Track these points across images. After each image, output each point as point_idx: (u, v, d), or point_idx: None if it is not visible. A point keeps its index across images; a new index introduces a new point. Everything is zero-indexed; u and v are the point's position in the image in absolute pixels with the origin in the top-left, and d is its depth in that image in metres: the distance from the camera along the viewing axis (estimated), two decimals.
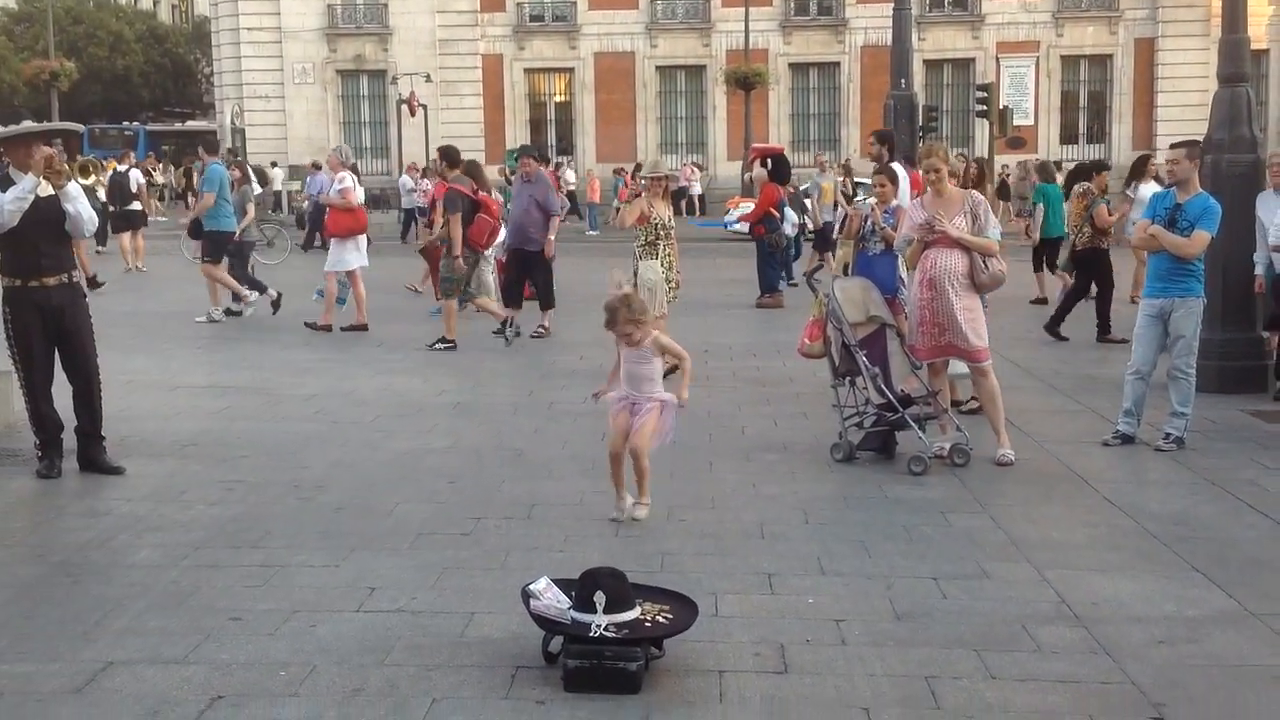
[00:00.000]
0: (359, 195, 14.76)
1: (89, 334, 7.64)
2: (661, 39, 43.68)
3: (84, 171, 7.32)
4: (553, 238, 14.13)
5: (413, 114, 38.82)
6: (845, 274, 9.41)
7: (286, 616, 5.21)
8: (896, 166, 9.80)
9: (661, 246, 11.45)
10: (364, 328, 14.06)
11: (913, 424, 7.76)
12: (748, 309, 16.30)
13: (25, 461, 7.74)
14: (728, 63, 41.80)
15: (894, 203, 9.34)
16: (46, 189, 7.15)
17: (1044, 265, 16.36)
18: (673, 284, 11.58)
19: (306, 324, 14.20)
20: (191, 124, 51.89)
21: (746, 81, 39.35)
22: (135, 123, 50.44)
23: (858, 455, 7.96)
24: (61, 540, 6.33)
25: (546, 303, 14.18)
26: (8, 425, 8.69)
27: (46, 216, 7.25)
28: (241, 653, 4.83)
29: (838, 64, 43.86)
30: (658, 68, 43.97)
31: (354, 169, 16.08)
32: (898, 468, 7.75)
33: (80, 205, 7.38)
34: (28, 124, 7.57)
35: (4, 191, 7.18)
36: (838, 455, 7.94)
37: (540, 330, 13.80)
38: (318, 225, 23.58)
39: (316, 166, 17.93)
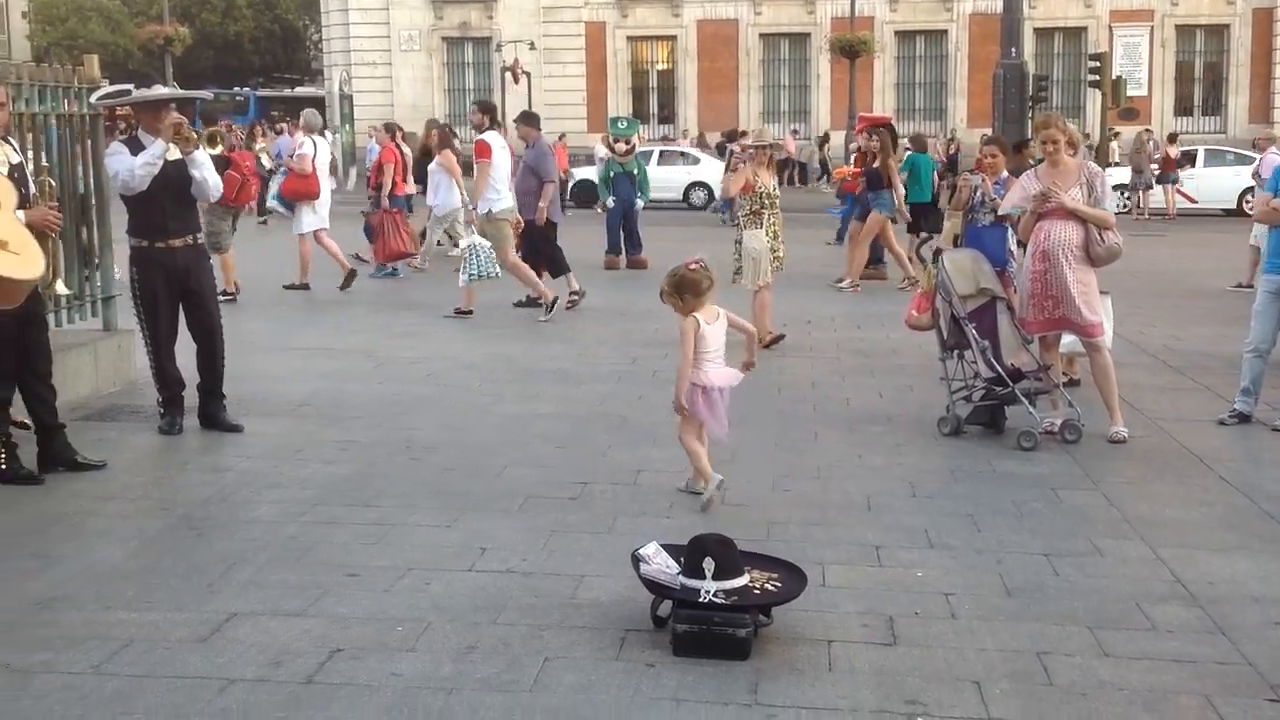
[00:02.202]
0: (323, 160, 15.19)
1: (212, 294, 7.84)
2: (765, 6, 43.35)
3: (211, 140, 7.48)
4: (543, 205, 13.90)
5: (516, 81, 39.03)
6: (954, 246, 9.30)
7: (401, 574, 5.33)
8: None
9: (766, 216, 11.40)
10: (306, 287, 14.75)
11: (1023, 399, 7.67)
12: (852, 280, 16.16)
13: (148, 418, 7.98)
14: (832, 30, 41.33)
15: (1004, 174, 9.22)
16: (174, 153, 7.33)
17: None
18: (777, 254, 11.54)
19: (285, 286, 14.78)
20: (300, 90, 52.66)
21: (851, 49, 38.91)
22: (246, 88, 51.31)
23: (965, 429, 7.89)
24: (184, 495, 6.53)
25: (554, 270, 14.00)
26: (130, 382, 8.95)
27: (174, 181, 7.44)
28: (358, 607, 4.95)
29: (945, 32, 43.18)
30: (761, 35, 43.66)
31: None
32: (1007, 443, 7.68)
33: (206, 171, 7.56)
34: (159, 89, 7.74)
35: (135, 155, 7.38)
36: (945, 429, 7.89)
37: (572, 298, 13.59)
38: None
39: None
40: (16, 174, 6.61)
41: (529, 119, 14.91)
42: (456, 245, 17.86)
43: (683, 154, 33.51)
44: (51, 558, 5.49)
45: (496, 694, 4.20)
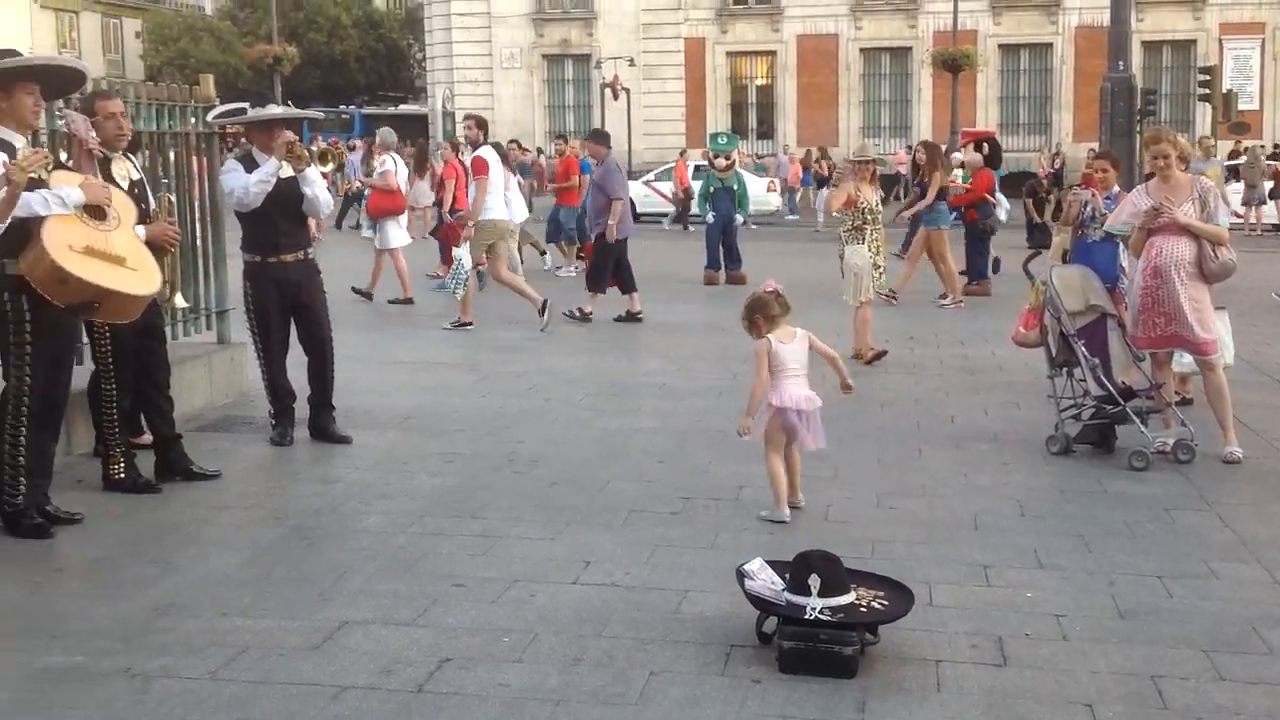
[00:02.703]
0: (401, 177, 15.50)
1: (324, 308, 7.99)
2: (866, 21, 43.13)
3: (322, 159, 7.64)
4: (612, 222, 13.95)
5: (615, 98, 39.24)
6: (1063, 261, 9.17)
7: (507, 585, 5.38)
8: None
9: (869, 231, 11.34)
10: (409, 301, 14.83)
11: (1134, 418, 7.53)
12: (955, 296, 16.00)
13: (260, 429, 8.15)
14: (934, 44, 40.96)
15: (1115, 189, 9.07)
16: (287, 171, 7.49)
17: None
18: (879, 269, 11.47)
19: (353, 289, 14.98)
20: (404, 108, 53.44)
21: (954, 64, 38.51)
22: (351, 106, 52.23)
23: (1074, 448, 7.77)
24: (296, 505, 6.66)
25: (623, 287, 14.09)
26: (243, 394, 9.15)
27: (286, 197, 7.60)
28: (466, 618, 5.01)
29: (1050, 45, 42.57)
30: (861, 50, 43.41)
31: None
32: (1117, 462, 7.54)
33: (317, 189, 7.72)
34: (272, 108, 7.93)
35: (249, 173, 7.56)
36: (1054, 447, 7.76)
37: (573, 312, 13.64)
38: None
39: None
40: (137, 190, 6.80)
41: (598, 137, 15.09)
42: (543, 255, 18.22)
43: (698, 167, 33.71)
44: (170, 565, 5.63)
45: (603, 706, 4.23)
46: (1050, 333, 7.97)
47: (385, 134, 16.93)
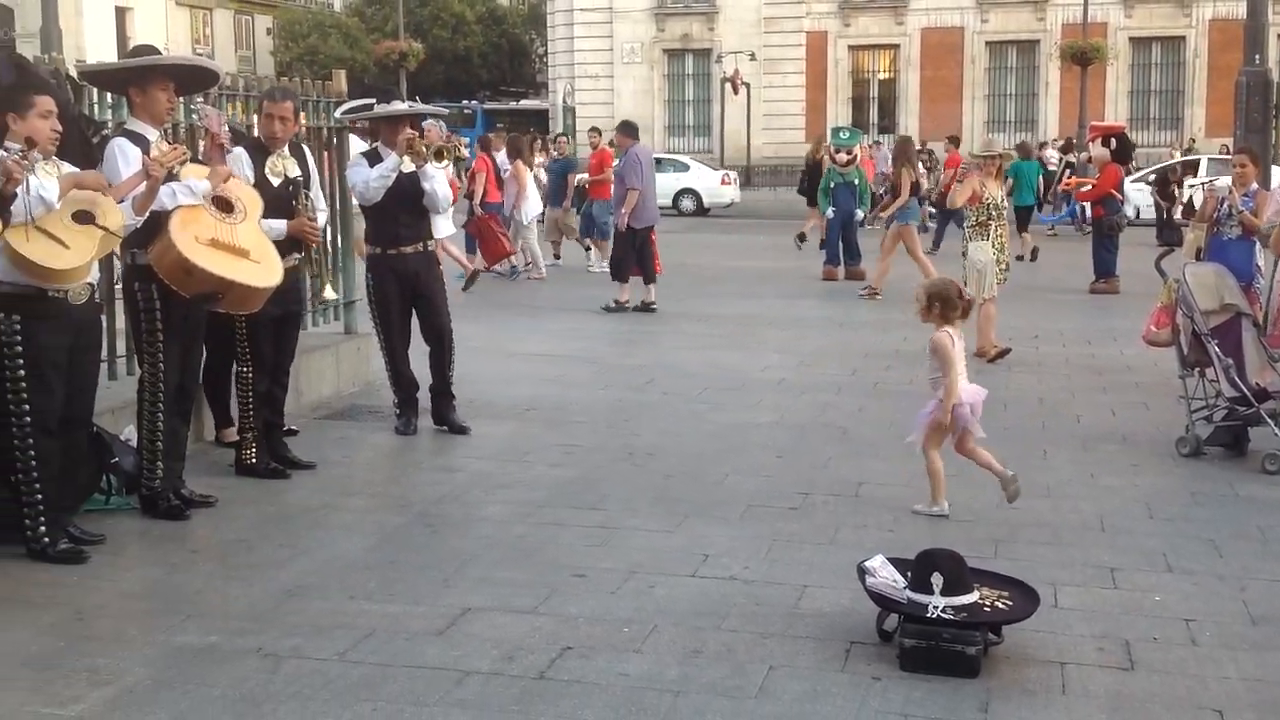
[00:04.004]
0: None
1: (443, 298, 8.10)
2: (993, 13, 42.44)
3: (439, 155, 7.72)
4: (624, 212, 14.07)
5: (735, 92, 39.18)
6: (1197, 259, 8.94)
7: (626, 576, 5.42)
8: None
9: (993, 227, 11.18)
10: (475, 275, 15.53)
11: (1269, 420, 7.31)
12: (1080, 293, 15.71)
13: (384, 418, 8.30)
14: (1063, 37, 40.12)
15: (1253, 185, 8.82)
16: (408, 166, 7.61)
17: None
18: (1003, 266, 11.30)
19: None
20: (525, 103, 53.93)
21: (1083, 57, 37.61)
22: (473, 101, 52.85)
23: (1205, 450, 7.57)
24: (420, 493, 6.78)
25: (616, 275, 14.25)
26: (367, 384, 9.33)
27: (407, 192, 7.72)
28: (586, 607, 5.05)
29: (1183, 38, 41.50)
30: (987, 43, 42.75)
31: (520, 145, 17.61)
32: (1250, 465, 7.33)
33: (437, 184, 7.82)
34: (398, 105, 8.04)
35: (373, 168, 7.70)
36: (1184, 449, 7.58)
37: (610, 305, 13.96)
38: None
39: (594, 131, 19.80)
40: (291, 187, 6.97)
41: (625, 128, 15.41)
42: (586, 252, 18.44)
43: (673, 161, 33.77)
44: (299, 548, 5.77)
45: (722, 699, 4.24)
46: (1182, 332, 7.78)
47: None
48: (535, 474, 7.11)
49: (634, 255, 14.24)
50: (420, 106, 8.93)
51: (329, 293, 7.72)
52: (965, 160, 14.27)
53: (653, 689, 4.30)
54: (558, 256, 19.02)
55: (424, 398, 8.18)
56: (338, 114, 8.93)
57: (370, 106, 8.16)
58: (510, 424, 8.35)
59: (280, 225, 6.75)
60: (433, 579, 5.37)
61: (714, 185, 33.24)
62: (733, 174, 34.78)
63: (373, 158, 7.82)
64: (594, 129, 20.99)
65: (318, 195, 7.33)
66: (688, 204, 32.69)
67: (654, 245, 14.62)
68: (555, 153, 21.01)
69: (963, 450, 6.43)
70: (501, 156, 17.78)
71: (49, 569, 5.41)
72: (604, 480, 7.01)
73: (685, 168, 33.70)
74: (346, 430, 8.12)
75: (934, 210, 21.75)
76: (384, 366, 8.23)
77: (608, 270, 15.12)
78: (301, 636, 4.71)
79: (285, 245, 6.88)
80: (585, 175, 19.43)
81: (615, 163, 18.33)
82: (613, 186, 15.14)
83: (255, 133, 7.22)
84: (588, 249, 18.80)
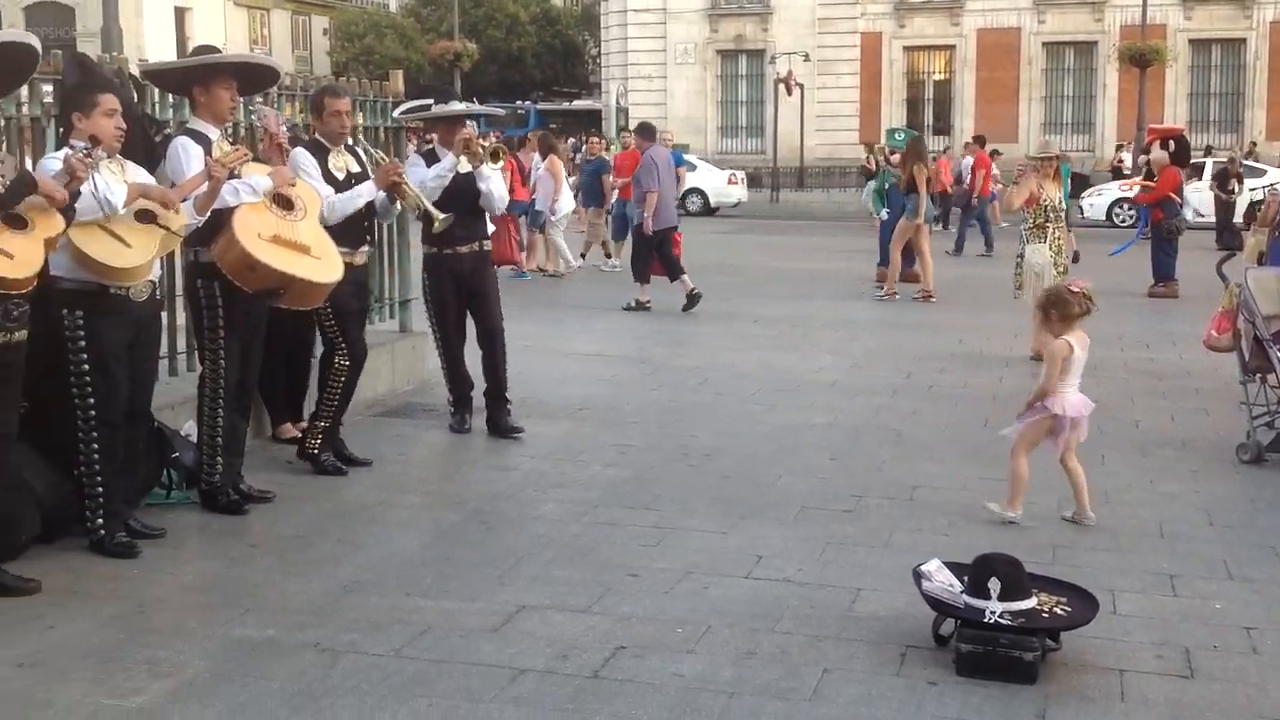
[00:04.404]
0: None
1: (496, 299, 8.11)
2: (1050, 14, 42.05)
3: (494, 156, 7.76)
4: (648, 214, 14.24)
5: (789, 93, 39.05)
6: (1258, 263, 8.82)
7: (680, 577, 5.42)
8: None
9: (1050, 230, 11.10)
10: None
11: None
12: (1139, 297, 15.54)
13: (439, 415, 8.35)
14: (1121, 38, 39.72)
15: None
16: (465, 166, 7.64)
17: None
18: (1060, 269, 11.20)
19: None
20: (578, 103, 54.04)
21: (1142, 59, 37.25)
22: (526, 101, 53.02)
23: (1267, 457, 7.46)
24: (474, 490, 6.82)
25: (637, 276, 14.43)
26: (422, 382, 9.39)
27: (463, 192, 7.74)
28: (640, 607, 5.06)
29: (1243, 41, 40.92)
30: (1044, 44, 42.35)
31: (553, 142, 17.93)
32: None
33: (493, 184, 7.84)
34: (455, 105, 8.07)
35: (429, 167, 7.74)
36: (1244, 456, 7.47)
37: (630, 304, 14.18)
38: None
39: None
40: (354, 182, 7.05)
41: (643, 130, 15.83)
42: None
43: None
44: (356, 544, 5.82)
45: (776, 701, 4.23)
46: (1244, 337, 7.68)
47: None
48: (590, 473, 7.12)
49: (654, 256, 14.42)
50: (477, 107, 8.97)
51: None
52: (1022, 161, 14.14)
53: (707, 690, 4.30)
54: (583, 255, 19.05)
55: (478, 398, 8.21)
56: (396, 114, 8.99)
57: (428, 106, 8.21)
58: (564, 423, 8.38)
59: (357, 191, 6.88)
60: (488, 576, 5.39)
61: (720, 185, 33.27)
62: (740, 174, 34.58)
63: (430, 158, 7.87)
64: (625, 129, 21.06)
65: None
66: (694, 203, 32.57)
67: (677, 246, 14.76)
68: (588, 154, 21.08)
69: (1063, 462, 6.33)
70: (534, 158, 17.87)
71: (110, 562, 5.48)
72: (658, 480, 7.01)
73: (692, 167, 33.58)
74: (402, 428, 8.18)
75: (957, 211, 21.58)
76: (439, 365, 8.27)
77: (627, 270, 15.26)
78: (358, 632, 4.75)
79: (357, 236, 6.97)
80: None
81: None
82: (632, 189, 15.26)
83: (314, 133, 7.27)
84: (608, 255, 18.91)
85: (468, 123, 8.17)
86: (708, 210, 32.62)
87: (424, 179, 7.70)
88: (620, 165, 19.17)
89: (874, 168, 25.17)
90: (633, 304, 14.13)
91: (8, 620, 4.80)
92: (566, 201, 17.89)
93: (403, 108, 8.84)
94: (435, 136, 8.23)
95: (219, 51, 6.60)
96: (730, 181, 33.55)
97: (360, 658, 4.52)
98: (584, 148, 22.42)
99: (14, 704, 4.13)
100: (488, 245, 8.23)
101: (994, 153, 26.83)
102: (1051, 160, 11.48)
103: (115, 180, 5.42)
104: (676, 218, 15.03)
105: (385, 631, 4.75)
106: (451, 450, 7.80)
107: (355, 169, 7.09)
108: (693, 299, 14.00)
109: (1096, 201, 29.42)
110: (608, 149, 21.42)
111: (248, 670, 4.41)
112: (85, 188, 5.16)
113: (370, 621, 4.85)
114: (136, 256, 5.49)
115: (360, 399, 8.01)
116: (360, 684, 4.31)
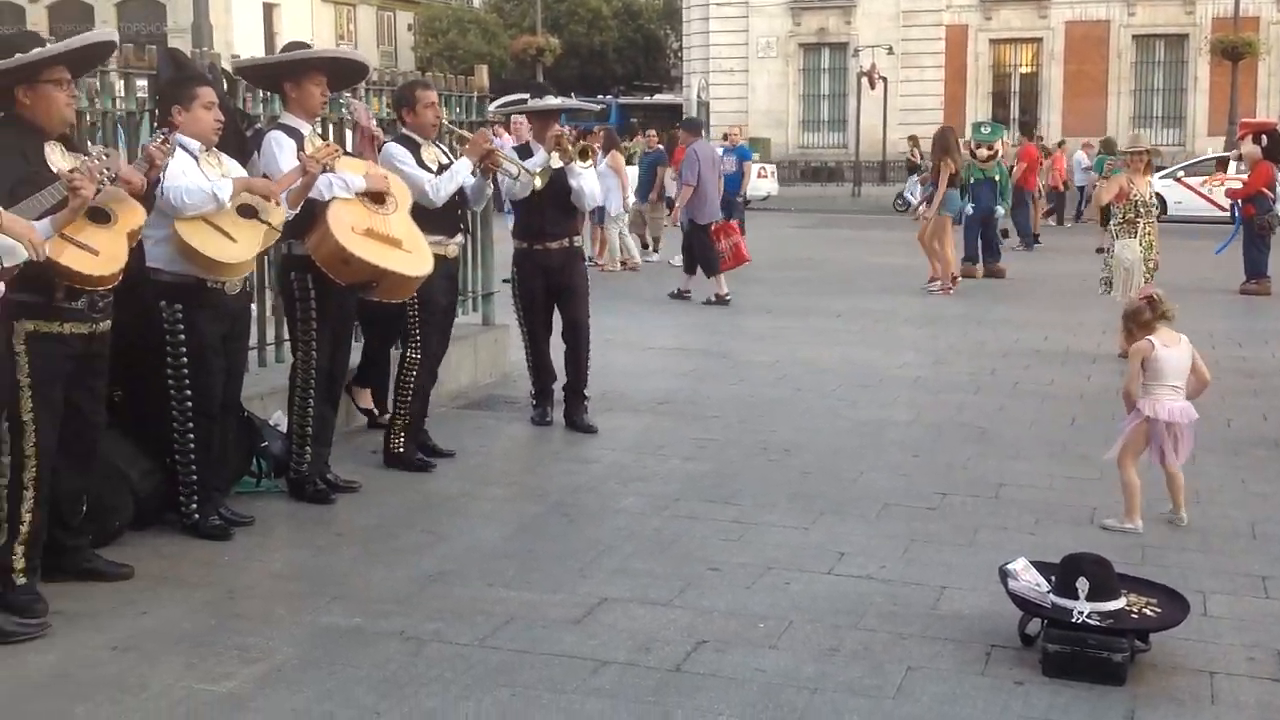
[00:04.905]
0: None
1: (584, 295, 8.12)
2: (1140, 7, 41.29)
3: (582, 155, 7.75)
4: (679, 205, 14.77)
5: (872, 87, 38.73)
6: None
7: (761, 572, 5.41)
8: None
9: (1141, 225, 10.91)
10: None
11: None
12: (1230, 294, 15.23)
13: (521, 408, 8.41)
14: (1213, 31, 38.89)
15: None
16: (558, 162, 7.66)
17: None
18: (1150, 265, 11.00)
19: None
20: (659, 97, 54.02)
21: (1235, 51, 36.43)
22: (608, 96, 53.11)
23: None
24: (556, 483, 6.86)
25: (707, 271, 14.53)
26: (504, 375, 9.46)
27: (555, 188, 7.76)
28: (721, 601, 5.06)
29: None
30: (1134, 36, 41.61)
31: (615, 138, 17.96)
32: None
33: (584, 181, 7.81)
34: (550, 100, 8.08)
35: (524, 161, 7.77)
36: None
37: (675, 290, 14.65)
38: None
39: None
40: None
41: (690, 125, 16.26)
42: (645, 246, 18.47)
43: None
44: (439, 535, 5.88)
45: (859, 698, 4.21)
46: None
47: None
48: (670, 467, 7.13)
49: (696, 249, 14.73)
50: (572, 102, 8.98)
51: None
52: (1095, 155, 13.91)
53: (789, 685, 4.29)
54: (645, 245, 19.08)
55: (558, 391, 8.23)
56: (492, 108, 9.02)
57: (524, 101, 8.24)
58: (645, 417, 8.39)
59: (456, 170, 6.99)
60: (569, 568, 5.42)
61: (750, 178, 32.75)
62: (769, 167, 34.23)
63: (524, 152, 7.92)
64: (678, 125, 21.16)
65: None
66: None
67: (736, 236, 14.88)
68: (647, 146, 21.04)
69: (1162, 463, 6.22)
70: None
71: (202, 548, 5.59)
72: (739, 475, 7.00)
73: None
74: (483, 420, 8.24)
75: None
76: (521, 358, 8.32)
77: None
78: (442, 621, 4.79)
79: (450, 225, 7.04)
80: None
81: (725, 156, 18.61)
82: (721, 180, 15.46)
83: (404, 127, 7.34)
84: (646, 246, 18.87)
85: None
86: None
87: (505, 184, 7.72)
88: (677, 159, 19.21)
89: (917, 160, 24.87)
90: (675, 292, 14.42)
91: (102, 605, 4.92)
92: (622, 197, 17.86)
93: (498, 102, 8.87)
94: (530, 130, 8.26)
95: (310, 48, 6.69)
96: (760, 175, 33.26)
97: (444, 647, 4.57)
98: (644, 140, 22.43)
99: (109, 687, 4.22)
100: (578, 241, 8.24)
101: (1060, 144, 26.49)
102: (1142, 154, 11.28)
103: (225, 181, 5.53)
104: (720, 212, 15.20)
105: (469, 621, 4.79)
106: (533, 443, 7.85)
107: (445, 161, 7.15)
108: (721, 300, 14.18)
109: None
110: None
111: (334, 657, 4.47)
112: (201, 184, 5.30)
113: (454, 611, 4.90)
114: (242, 251, 5.60)
115: (443, 391, 8.10)
116: (444, 673, 4.35)
